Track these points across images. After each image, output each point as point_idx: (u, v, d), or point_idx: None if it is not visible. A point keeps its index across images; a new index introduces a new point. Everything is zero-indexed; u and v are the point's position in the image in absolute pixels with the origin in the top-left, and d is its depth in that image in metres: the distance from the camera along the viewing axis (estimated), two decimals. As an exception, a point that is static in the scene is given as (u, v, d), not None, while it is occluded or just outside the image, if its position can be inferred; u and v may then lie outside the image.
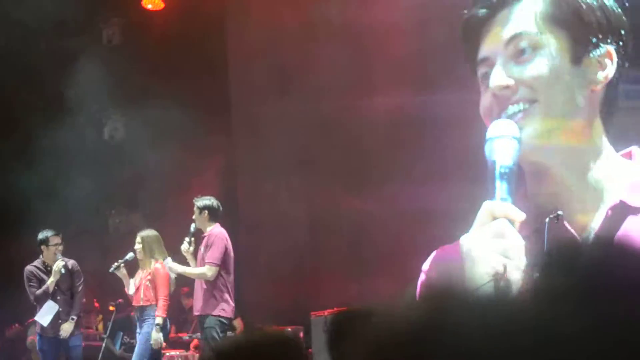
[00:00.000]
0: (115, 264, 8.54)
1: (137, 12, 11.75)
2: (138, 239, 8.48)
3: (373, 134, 10.00)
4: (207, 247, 7.98)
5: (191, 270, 8.05)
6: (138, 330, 8.47)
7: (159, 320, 8.20)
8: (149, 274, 8.40)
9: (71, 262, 8.74)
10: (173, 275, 8.47)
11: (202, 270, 7.93)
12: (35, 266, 8.70)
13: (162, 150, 11.29)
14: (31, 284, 8.69)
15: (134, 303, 8.53)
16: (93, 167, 11.85)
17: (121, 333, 10.47)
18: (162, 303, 8.26)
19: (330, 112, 10.16)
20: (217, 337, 7.92)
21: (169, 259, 8.27)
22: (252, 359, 1.73)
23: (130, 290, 8.50)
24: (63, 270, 8.58)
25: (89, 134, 12.40)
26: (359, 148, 10.08)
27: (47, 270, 8.68)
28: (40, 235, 8.74)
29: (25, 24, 10.22)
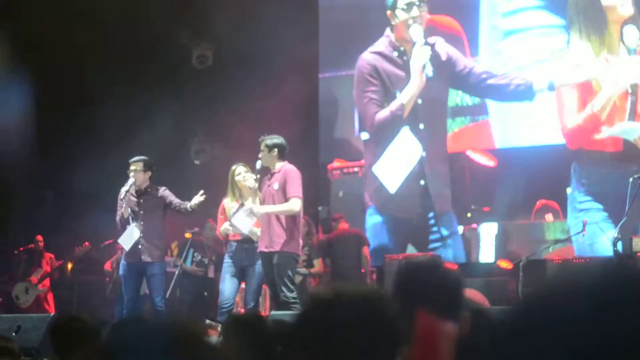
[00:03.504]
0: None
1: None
2: (231, 173, 8.35)
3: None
4: (284, 182, 7.87)
5: (278, 207, 7.85)
6: (234, 261, 8.21)
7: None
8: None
9: (162, 189, 8.69)
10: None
11: (290, 205, 7.82)
12: (124, 189, 8.66)
13: (246, 80, 11.27)
14: (119, 206, 8.75)
15: (235, 237, 8.30)
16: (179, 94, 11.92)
17: (192, 250, 10.64)
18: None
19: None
20: (291, 275, 7.85)
21: (249, 200, 8.08)
22: (346, 315, 1.69)
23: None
24: (124, 192, 8.51)
25: (177, 61, 12.44)
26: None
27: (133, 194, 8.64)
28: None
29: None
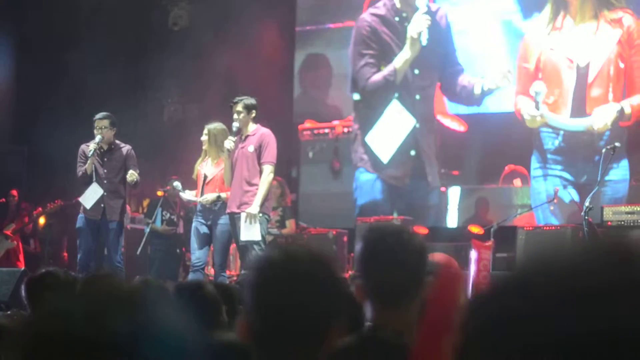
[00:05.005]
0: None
1: None
2: (205, 131, 8.28)
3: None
4: (259, 146, 7.88)
5: (262, 192, 7.76)
6: (203, 221, 8.20)
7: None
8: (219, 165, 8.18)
9: (126, 148, 8.56)
10: None
11: (267, 178, 7.82)
12: (87, 145, 8.54)
13: (224, 44, 11.23)
14: (79, 162, 8.63)
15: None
16: (153, 53, 11.87)
17: (160, 209, 10.58)
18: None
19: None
20: (263, 234, 7.89)
21: (243, 214, 7.83)
22: (283, 275, 1.74)
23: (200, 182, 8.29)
24: (91, 150, 8.37)
25: (155, 20, 12.37)
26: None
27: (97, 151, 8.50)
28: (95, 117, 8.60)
29: None
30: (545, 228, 9.08)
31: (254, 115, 7.96)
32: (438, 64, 10.75)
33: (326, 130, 11.50)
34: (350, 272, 9.00)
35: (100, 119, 8.48)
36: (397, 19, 10.76)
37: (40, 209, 11.53)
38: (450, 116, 10.99)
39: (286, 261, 1.76)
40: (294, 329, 1.70)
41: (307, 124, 11.60)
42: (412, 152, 10.78)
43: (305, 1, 11.85)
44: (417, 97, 10.75)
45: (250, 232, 7.80)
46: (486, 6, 10.72)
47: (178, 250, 11.08)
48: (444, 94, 10.89)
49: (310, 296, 1.71)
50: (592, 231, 7.61)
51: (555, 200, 9.26)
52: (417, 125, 10.74)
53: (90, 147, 8.43)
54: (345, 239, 9.90)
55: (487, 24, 10.64)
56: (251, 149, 7.91)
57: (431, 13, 10.60)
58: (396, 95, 10.76)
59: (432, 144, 10.85)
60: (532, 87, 10.07)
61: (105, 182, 8.47)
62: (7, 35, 11.15)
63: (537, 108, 10.00)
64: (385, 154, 10.78)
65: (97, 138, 8.43)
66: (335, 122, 11.45)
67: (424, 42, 10.59)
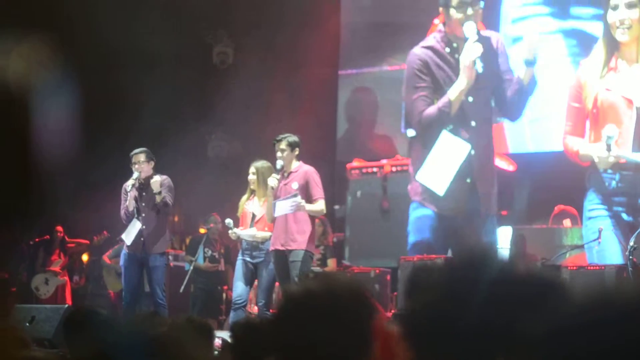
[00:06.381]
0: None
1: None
2: (252, 170, 8.26)
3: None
4: (306, 183, 7.84)
5: (311, 207, 7.83)
6: (249, 259, 8.20)
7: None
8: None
9: (161, 178, 8.54)
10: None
11: (320, 206, 7.86)
12: (130, 182, 8.60)
13: (269, 79, 11.26)
14: (122, 201, 8.68)
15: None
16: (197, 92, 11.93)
17: (202, 247, 10.57)
18: None
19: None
20: (306, 271, 7.80)
21: (299, 196, 7.86)
22: (315, 310, 1.66)
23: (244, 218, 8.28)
24: (130, 186, 8.45)
25: (197, 58, 12.45)
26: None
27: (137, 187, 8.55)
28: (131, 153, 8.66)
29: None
30: (589, 268, 8.89)
31: (297, 152, 7.94)
32: (491, 84, 10.60)
33: (374, 169, 11.42)
34: (393, 311, 8.84)
35: (136, 154, 8.57)
36: (448, 49, 10.63)
37: (87, 241, 11.60)
38: (500, 155, 10.83)
39: (303, 297, 1.70)
40: None
41: (355, 163, 11.54)
42: (468, 180, 10.53)
43: (348, 44, 11.86)
44: (473, 123, 10.54)
45: (284, 208, 7.81)
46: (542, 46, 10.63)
47: (219, 288, 11.03)
48: (497, 106, 10.66)
49: (323, 333, 1.62)
50: (636, 271, 7.47)
51: (599, 240, 9.05)
52: (473, 152, 10.53)
53: (129, 183, 8.48)
54: (388, 277, 9.77)
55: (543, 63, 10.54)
56: (295, 186, 7.87)
57: (482, 39, 10.46)
58: (450, 127, 10.59)
59: (489, 171, 10.58)
60: (605, 130, 9.85)
61: (143, 215, 8.48)
62: (70, 81, 11.26)
63: (609, 150, 9.80)
64: (440, 187, 10.57)
65: (135, 174, 8.51)
66: (384, 161, 11.36)
67: (480, 69, 10.46)
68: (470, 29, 10.33)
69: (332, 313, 1.64)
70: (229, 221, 8.39)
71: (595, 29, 10.26)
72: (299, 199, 7.78)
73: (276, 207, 7.87)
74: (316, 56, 11.32)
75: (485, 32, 10.56)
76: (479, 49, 10.27)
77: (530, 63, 10.22)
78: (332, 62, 11.73)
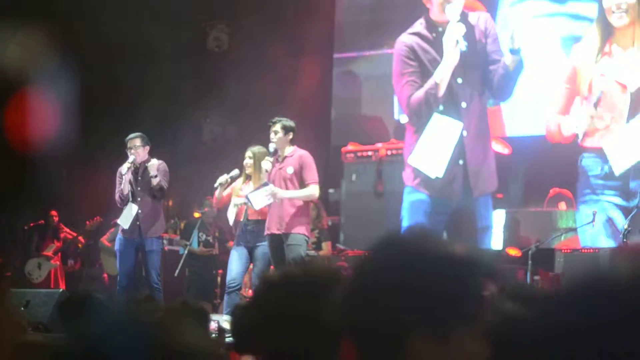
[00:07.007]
0: (223, 178, 8.26)
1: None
2: (249, 154, 8.20)
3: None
4: (300, 167, 7.81)
5: (300, 192, 7.78)
6: (244, 243, 8.13)
7: None
8: None
9: (157, 162, 8.53)
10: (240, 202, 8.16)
11: (311, 191, 7.81)
12: (126, 166, 8.55)
13: (264, 64, 11.22)
14: (117, 184, 8.67)
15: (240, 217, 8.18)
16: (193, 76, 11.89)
17: (197, 231, 10.56)
18: None
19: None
20: (303, 256, 7.79)
21: (271, 185, 7.81)
22: (294, 294, 1.70)
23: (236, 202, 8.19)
24: (125, 169, 8.42)
25: (193, 43, 12.40)
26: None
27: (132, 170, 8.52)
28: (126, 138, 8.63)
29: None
30: (583, 251, 8.93)
31: (291, 137, 7.91)
32: (480, 63, 10.57)
33: (369, 153, 11.40)
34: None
35: (131, 139, 8.56)
36: (433, 34, 10.64)
37: (75, 234, 11.58)
38: (495, 138, 10.82)
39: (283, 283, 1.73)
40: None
41: (350, 147, 11.52)
42: (461, 162, 10.51)
43: (344, 27, 11.81)
44: (463, 105, 10.53)
45: (259, 200, 7.73)
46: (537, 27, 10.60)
47: (214, 272, 11.03)
48: (485, 87, 10.64)
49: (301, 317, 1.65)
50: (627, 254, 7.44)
51: (593, 223, 9.07)
52: (465, 133, 10.51)
53: (124, 166, 8.46)
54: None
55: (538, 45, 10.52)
56: (290, 170, 7.84)
57: (467, 19, 10.46)
58: (440, 108, 10.56)
59: (483, 151, 10.55)
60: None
61: (139, 199, 8.47)
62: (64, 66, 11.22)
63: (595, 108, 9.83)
64: (435, 169, 10.54)
65: (130, 158, 8.49)
66: (379, 145, 11.33)
67: (463, 48, 10.44)
68: (452, 11, 10.32)
69: (310, 297, 1.63)
70: (235, 172, 8.30)
71: (592, 11, 10.25)
72: (271, 187, 7.73)
73: (251, 200, 7.79)
74: (312, 40, 11.28)
75: (474, 13, 10.54)
76: (461, 28, 10.26)
77: (515, 52, 10.20)
78: (328, 45, 11.69)
